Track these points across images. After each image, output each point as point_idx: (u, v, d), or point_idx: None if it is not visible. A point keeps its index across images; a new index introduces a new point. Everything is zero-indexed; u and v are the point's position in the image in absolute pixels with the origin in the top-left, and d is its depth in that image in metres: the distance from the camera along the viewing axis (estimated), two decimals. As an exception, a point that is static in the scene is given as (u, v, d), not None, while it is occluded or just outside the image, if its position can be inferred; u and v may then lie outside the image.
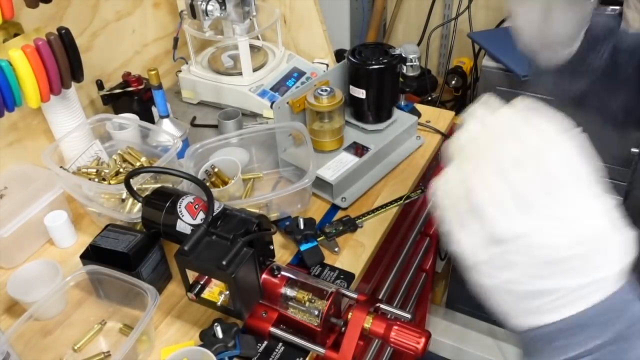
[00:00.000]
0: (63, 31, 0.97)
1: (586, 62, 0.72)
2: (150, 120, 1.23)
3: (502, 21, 1.78)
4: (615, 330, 0.39)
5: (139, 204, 0.94)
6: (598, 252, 0.39)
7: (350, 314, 0.78)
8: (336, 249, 0.99)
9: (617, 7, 1.38)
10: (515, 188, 0.39)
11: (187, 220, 0.82)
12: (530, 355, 0.43)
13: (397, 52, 1.15)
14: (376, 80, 1.13)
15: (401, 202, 1.08)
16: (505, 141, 0.41)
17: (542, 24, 0.69)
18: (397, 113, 1.22)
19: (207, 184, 1.03)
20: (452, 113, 1.35)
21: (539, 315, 0.41)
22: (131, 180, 0.86)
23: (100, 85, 1.26)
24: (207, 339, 0.79)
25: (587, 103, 0.76)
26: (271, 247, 0.86)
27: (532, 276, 0.40)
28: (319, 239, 0.99)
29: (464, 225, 0.42)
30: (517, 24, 0.72)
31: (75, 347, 0.85)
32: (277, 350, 0.82)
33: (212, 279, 0.77)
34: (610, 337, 0.39)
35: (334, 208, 1.09)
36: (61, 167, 1.02)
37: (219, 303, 0.78)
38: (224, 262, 0.72)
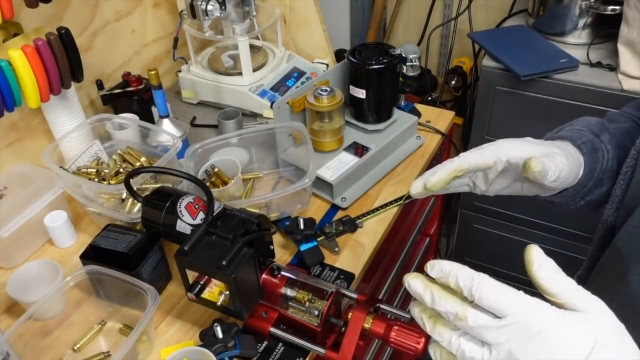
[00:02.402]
0: (63, 31, 0.97)
1: (596, 169, 0.70)
2: (150, 120, 1.23)
3: (502, 21, 1.78)
4: None
5: (139, 204, 0.94)
6: None
7: (350, 314, 0.78)
8: (336, 249, 0.99)
9: (617, 7, 1.38)
10: None
11: (187, 220, 0.82)
12: None
13: (397, 52, 1.15)
14: (376, 80, 1.13)
15: (401, 202, 1.08)
16: None
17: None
18: (397, 113, 1.22)
19: (207, 184, 1.03)
20: (452, 113, 1.35)
21: None
22: (131, 180, 0.86)
23: (100, 85, 1.26)
24: (207, 339, 0.79)
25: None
26: (271, 247, 0.86)
27: None
28: (319, 239, 0.99)
29: None
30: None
31: (75, 347, 0.85)
32: (277, 350, 0.82)
33: (212, 279, 0.77)
34: None
35: (334, 208, 1.09)
36: (61, 167, 1.02)
37: (219, 303, 0.78)
38: (224, 262, 0.72)
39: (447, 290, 0.47)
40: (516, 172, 0.68)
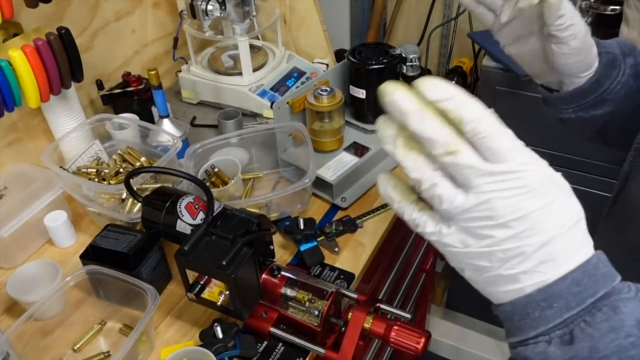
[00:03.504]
0: (63, 31, 0.97)
1: (604, 85, 0.68)
2: (150, 120, 1.23)
3: (502, 21, 1.78)
4: (587, 302, 0.40)
5: (139, 204, 0.94)
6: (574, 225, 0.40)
7: (350, 314, 0.78)
8: (336, 249, 0.99)
9: (617, 7, 1.37)
10: None
11: (187, 220, 0.82)
12: (511, 334, 0.43)
13: (397, 52, 1.15)
14: (376, 80, 1.13)
15: (401, 202, 1.08)
16: None
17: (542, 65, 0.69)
18: (397, 113, 1.22)
19: (207, 184, 1.03)
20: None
21: (514, 284, 0.41)
22: (131, 180, 0.86)
23: (100, 85, 1.26)
24: (207, 339, 0.79)
25: (610, 133, 0.72)
26: (271, 247, 0.86)
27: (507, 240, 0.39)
28: (319, 239, 0.99)
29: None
30: (517, 61, 0.72)
31: (75, 347, 0.85)
32: (277, 350, 0.82)
33: (212, 279, 0.77)
34: (583, 308, 0.40)
35: (334, 208, 1.09)
36: (61, 167, 1.02)
37: (219, 303, 0.78)
38: (224, 262, 0.72)
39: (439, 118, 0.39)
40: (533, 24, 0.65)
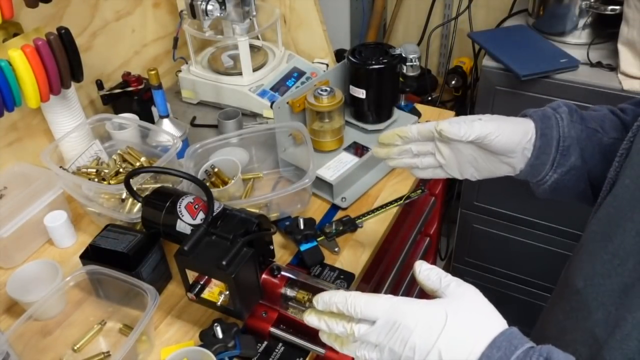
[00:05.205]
0: (63, 31, 0.97)
1: (552, 134, 0.70)
2: (150, 120, 1.23)
3: (502, 21, 1.78)
4: None
5: (139, 204, 0.94)
6: None
7: (350, 314, 0.78)
8: (336, 249, 0.99)
9: (617, 7, 1.37)
10: None
11: (187, 220, 0.82)
12: None
13: (397, 52, 1.15)
14: (376, 80, 1.13)
15: (401, 202, 1.08)
16: None
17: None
18: (397, 113, 1.22)
19: (207, 184, 1.03)
20: (452, 113, 1.35)
21: None
22: (131, 180, 0.86)
23: (100, 85, 1.26)
24: (207, 339, 0.79)
25: (560, 192, 0.75)
26: (271, 247, 0.86)
27: None
28: (319, 239, 0.99)
29: None
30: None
31: (75, 347, 0.85)
32: (277, 350, 0.82)
33: (212, 279, 0.77)
34: None
35: (334, 208, 1.09)
36: (61, 167, 1.02)
37: (219, 303, 0.78)
38: (224, 262, 0.72)
39: (336, 315, 0.56)
40: (469, 147, 0.73)
